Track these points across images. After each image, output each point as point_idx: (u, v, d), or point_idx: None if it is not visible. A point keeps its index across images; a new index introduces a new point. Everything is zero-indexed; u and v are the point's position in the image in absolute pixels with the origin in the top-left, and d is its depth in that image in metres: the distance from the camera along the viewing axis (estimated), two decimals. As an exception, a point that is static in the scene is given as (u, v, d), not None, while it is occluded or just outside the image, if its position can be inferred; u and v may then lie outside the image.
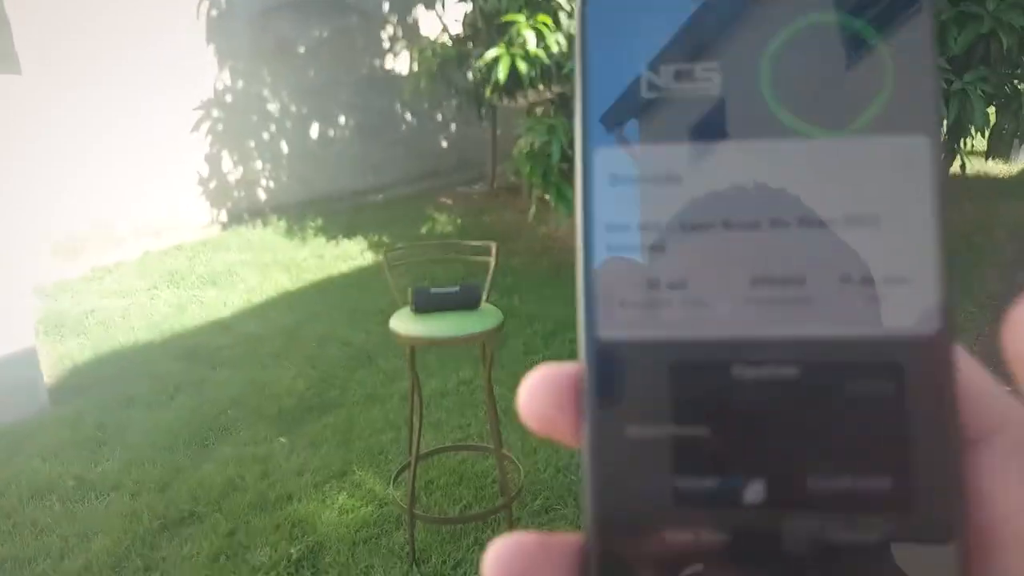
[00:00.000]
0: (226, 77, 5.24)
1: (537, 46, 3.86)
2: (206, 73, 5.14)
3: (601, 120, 0.22)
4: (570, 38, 3.96)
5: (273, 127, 5.60)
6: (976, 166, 6.92)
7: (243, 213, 5.49)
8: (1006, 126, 3.58)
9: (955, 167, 3.81)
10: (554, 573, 0.21)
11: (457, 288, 2.05)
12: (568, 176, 3.80)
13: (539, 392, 0.22)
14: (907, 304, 0.21)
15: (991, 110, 3.56)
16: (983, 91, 3.27)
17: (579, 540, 0.22)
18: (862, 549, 0.20)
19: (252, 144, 5.49)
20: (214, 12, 5.10)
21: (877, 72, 0.21)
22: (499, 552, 0.21)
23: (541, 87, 4.11)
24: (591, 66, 0.23)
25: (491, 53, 3.86)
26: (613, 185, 0.22)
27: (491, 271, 2.22)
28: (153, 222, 4.98)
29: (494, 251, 2.23)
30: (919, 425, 0.20)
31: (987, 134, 3.60)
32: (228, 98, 5.27)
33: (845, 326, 0.21)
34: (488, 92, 4.26)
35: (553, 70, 3.94)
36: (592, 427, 0.22)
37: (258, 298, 4.11)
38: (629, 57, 0.22)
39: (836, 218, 0.21)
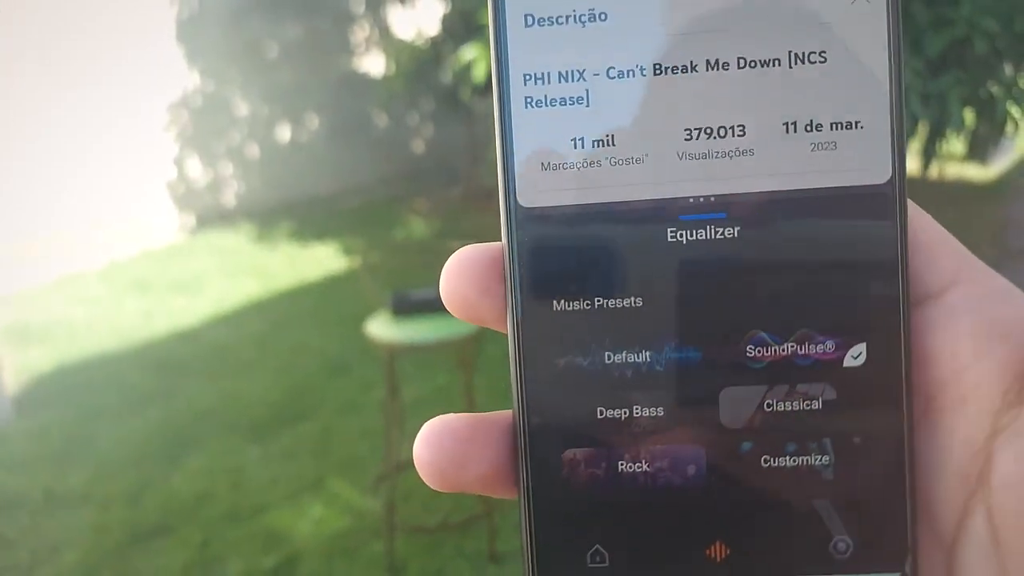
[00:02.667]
0: (195, 79, 5.14)
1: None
2: (175, 75, 5.04)
3: None
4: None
5: (244, 129, 5.50)
6: (954, 169, 7.04)
7: (212, 218, 5.39)
8: (983, 129, 3.63)
9: (933, 170, 3.85)
10: (485, 451, 0.20)
11: (436, 291, 2.01)
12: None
13: (460, 274, 0.21)
14: (857, 152, 0.20)
15: (968, 113, 3.60)
16: (959, 95, 3.31)
17: (509, 418, 0.21)
18: (806, 415, 0.19)
19: (222, 147, 5.39)
20: (185, 13, 5.00)
21: None
22: (428, 433, 0.20)
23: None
24: None
25: (468, 53, 3.82)
26: (529, 26, 0.20)
27: (471, 274, 2.18)
28: (118, 228, 4.86)
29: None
30: (869, 282, 0.19)
31: (964, 137, 3.64)
32: (197, 100, 5.17)
33: (789, 179, 0.19)
34: (466, 93, 4.22)
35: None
36: (518, 306, 0.20)
37: (228, 306, 4.04)
38: None
39: (778, 57, 0.19)
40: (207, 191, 5.31)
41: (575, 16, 0.19)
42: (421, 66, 4.56)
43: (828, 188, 0.19)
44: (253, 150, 5.54)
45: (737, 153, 0.19)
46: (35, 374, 3.32)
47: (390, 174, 6.58)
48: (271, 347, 3.52)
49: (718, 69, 0.19)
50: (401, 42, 4.68)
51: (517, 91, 0.20)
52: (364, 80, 6.21)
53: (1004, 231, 5.33)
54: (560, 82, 0.20)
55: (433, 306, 1.98)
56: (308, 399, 3.05)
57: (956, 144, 4.24)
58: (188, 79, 5.06)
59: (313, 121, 5.92)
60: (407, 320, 1.97)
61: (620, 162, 0.20)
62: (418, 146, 6.83)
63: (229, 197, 5.46)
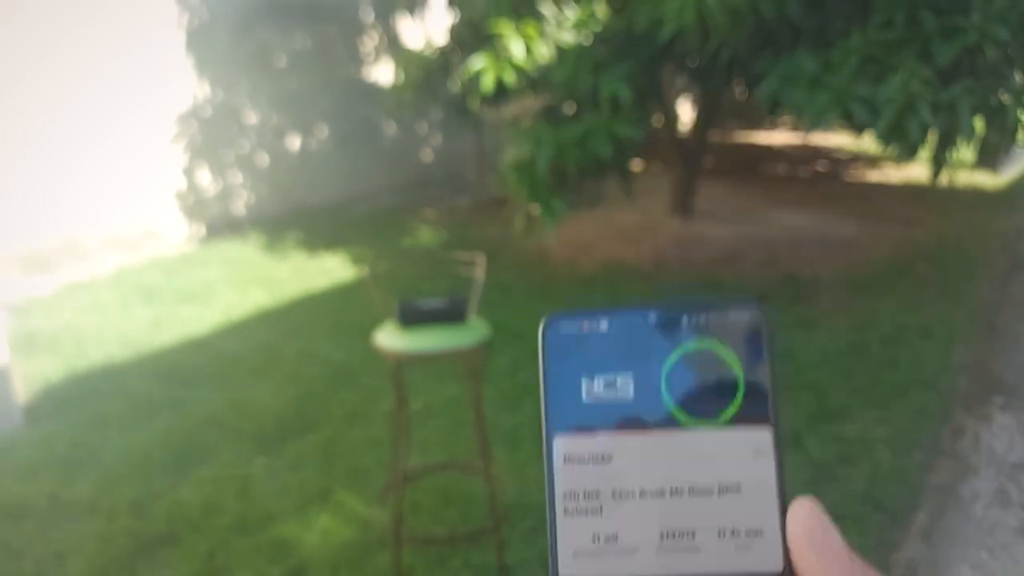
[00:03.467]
0: (205, 89, 5.17)
1: (523, 56, 3.82)
2: (184, 85, 5.07)
3: (556, 416, 0.33)
4: (558, 49, 3.93)
5: (253, 137, 5.52)
6: (964, 177, 6.99)
7: (221, 227, 5.40)
8: (993, 138, 3.59)
9: (944, 178, 3.82)
10: None
11: (444, 301, 1.99)
12: (555, 188, 3.76)
13: None
14: (762, 550, 0.31)
15: (978, 121, 3.58)
16: (970, 103, 3.28)
17: None
18: None
19: (231, 156, 5.41)
20: (195, 23, 5.03)
21: (733, 381, 0.32)
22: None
23: (528, 99, 4.07)
24: (548, 376, 0.33)
25: (477, 63, 3.82)
26: (567, 463, 0.32)
27: (478, 285, 2.16)
28: (128, 236, 4.89)
29: (481, 264, 2.18)
30: None
31: (975, 145, 3.61)
32: (207, 110, 5.19)
33: (721, 566, 0.31)
34: (473, 102, 4.22)
35: (539, 80, 3.91)
36: None
37: (237, 315, 4.04)
38: (573, 370, 0.33)
39: (713, 487, 0.31)
40: (216, 200, 5.33)
41: (593, 458, 0.32)
42: (429, 75, 4.56)
43: (745, 573, 0.30)
44: (262, 159, 5.56)
45: (691, 550, 0.31)
46: (44, 382, 3.32)
47: (398, 183, 6.59)
48: (279, 356, 3.51)
49: (678, 495, 0.31)
50: (410, 51, 4.68)
51: (559, 503, 0.32)
52: (372, 89, 6.24)
53: (1015, 239, 5.28)
54: (584, 499, 0.32)
55: (440, 315, 1.97)
56: (315, 409, 3.04)
57: (966, 152, 4.21)
58: (198, 88, 5.09)
59: (322, 130, 5.94)
60: (414, 330, 1.95)
61: (621, 552, 0.31)
62: (426, 155, 6.85)
63: (238, 206, 5.48)
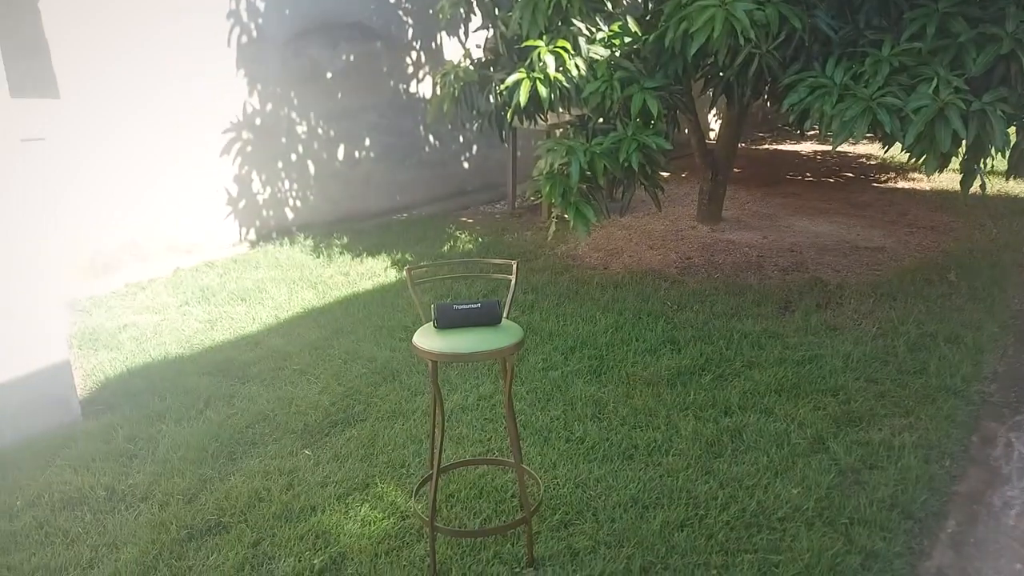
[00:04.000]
0: (255, 100, 5.40)
1: (557, 70, 3.93)
2: (237, 97, 5.30)
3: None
4: (589, 62, 4.03)
5: (301, 148, 5.73)
6: (997, 185, 6.85)
7: (271, 232, 5.62)
8: (1026, 146, 3.58)
9: (975, 187, 3.80)
10: None
11: (478, 305, 2.10)
12: (586, 196, 3.86)
13: None
14: None
15: (1011, 130, 3.56)
16: (1003, 111, 3.28)
17: None
18: None
19: (280, 165, 5.63)
20: (244, 38, 5.27)
21: None
22: None
23: (560, 110, 4.18)
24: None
25: (512, 77, 3.94)
26: None
27: (512, 288, 2.27)
28: (185, 240, 5.12)
29: (515, 269, 2.28)
30: None
31: (1007, 154, 3.59)
32: (257, 121, 5.42)
33: None
34: (509, 115, 4.34)
35: (572, 93, 4.01)
36: None
37: (285, 314, 4.20)
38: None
39: None
40: (267, 206, 5.55)
41: None
42: (467, 88, 4.70)
43: None
44: (310, 168, 5.77)
45: None
46: (102, 377, 3.47)
47: (437, 192, 6.75)
48: (325, 355, 3.64)
49: None
50: (448, 65, 4.83)
51: None
52: (415, 102, 6.42)
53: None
54: None
55: (475, 318, 2.07)
56: (358, 405, 3.15)
57: (999, 161, 4.17)
58: (249, 101, 5.32)
59: (367, 141, 6.13)
60: (450, 332, 2.05)
61: None
62: (463, 166, 7.00)
63: (288, 212, 5.70)
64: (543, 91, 3.88)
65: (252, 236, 5.54)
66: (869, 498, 2.45)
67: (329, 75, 5.77)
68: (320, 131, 5.83)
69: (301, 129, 5.71)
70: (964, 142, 3.37)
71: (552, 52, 3.95)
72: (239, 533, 2.35)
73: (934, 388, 3.17)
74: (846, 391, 3.16)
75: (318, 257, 5.19)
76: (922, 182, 7.36)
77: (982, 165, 3.67)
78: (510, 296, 2.25)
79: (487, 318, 2.07)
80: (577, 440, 2.81)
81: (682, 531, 2.32)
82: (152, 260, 4.93)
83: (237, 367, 3.54)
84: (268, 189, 5.57)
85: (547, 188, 3.75)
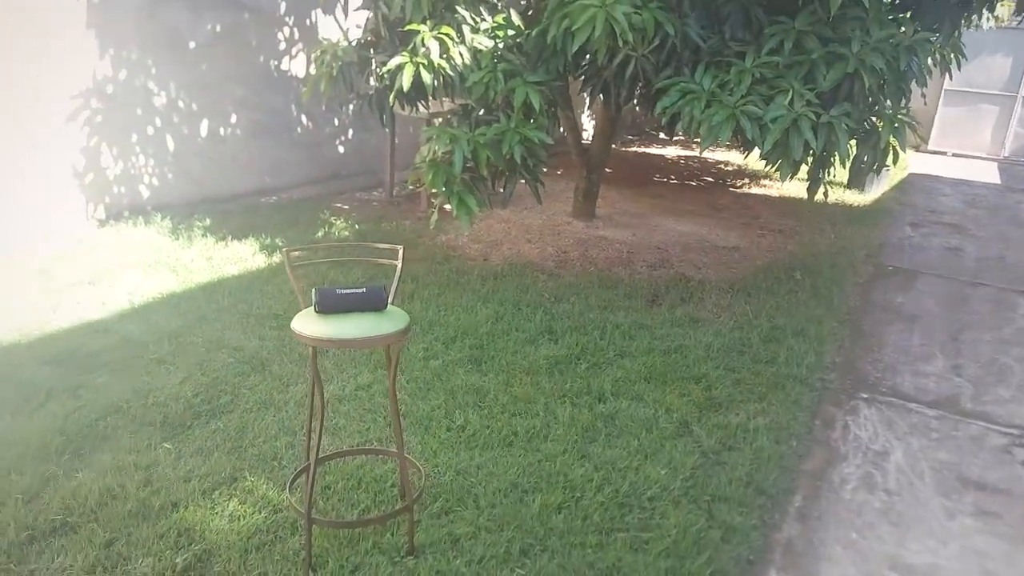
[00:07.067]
0: (107, 66, 4.94)
1: (441, 57, 3.90)
2: (84, 60, 4.83)
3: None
4: (473, 51, 4.03)
5: (159, 121, 5.32)
6: (836, 194, 7.61)
7: (123, 211, 5.18)
8: (864, 158, 3.97)
9: (819, 194, 4.19)
10: None
11: (363, 289, 2.05)
12: (469, 186, 3.86)
13: None
14: None
15: (852, 142, 3.93)
16: (847, 125, 3.62)
17: None
18: None
19: (135, 139, 5.20)
20: (96, -3, 4.81)
21: None
22: None
23: (444, 97, 4.15)
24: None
25: (395, 60, 3.87)
26: None
27: (397, 274, 2.23)
28: (21, 215, 4.61)
29: (400, 254, 2.25)
30: None
31: (848, 165, 3.96)
32: (109, 88, 4.97)
33: None
34: (391, 99, 4.26)
35: (456, 81, 4.00)
36: None
37: (140, 300, 3.90)
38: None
39: None
40: (119, 182, 5.10)
41: None
42: (344, 69, 4.56)
43: None
44: (169, 143, 5.36)
45: None
46: None
47: (310, 175, 6.50)
48: (186, 343, 3.42)
49: None
50: (325, 43, 4.65)
51: None
52: (287, 79, 6.13)
53: (878, 251, 5.82)
54: None
55: (360, 303, 2.02)
56: (224, 396, 2.99)
57: (840, 171, 4.61)
58: (99, 65, 4.86)
59: (233, 117, 5.79)
60: (333, 317, 1.99)
61: None
62: (339, 149, 6.79)
63: (142, 190, 5.26)
64: (427, 77, 3.84)
65: (100, 214, 5.08)
66: (728, 477, 2.64)
67: (192, 44, 5.39)
68: (181, 104, 5.44)
69: (159, 100, 5.29)
70: (813, 152, 3.68)
71: (436, 38, 3.92)
72: (89, 533, 2.18)
73: (783, 376, 3.46)
74: (708, 379, 3.38)
75: (177, 239, 4.86)
76: (772, 188, 8.00)
77: (826, 175, 4.04)
78: (395, 282, 2.21)
79: (372, 304, 2.03)
80: (458, 428, 2.81)
81: (560, 513, 2.39)
82: (-19, 237, 4.40)
83: (83, 356, 3.25)
84: (120, 164, 5.12)
85: (430, 176, 3.72)
